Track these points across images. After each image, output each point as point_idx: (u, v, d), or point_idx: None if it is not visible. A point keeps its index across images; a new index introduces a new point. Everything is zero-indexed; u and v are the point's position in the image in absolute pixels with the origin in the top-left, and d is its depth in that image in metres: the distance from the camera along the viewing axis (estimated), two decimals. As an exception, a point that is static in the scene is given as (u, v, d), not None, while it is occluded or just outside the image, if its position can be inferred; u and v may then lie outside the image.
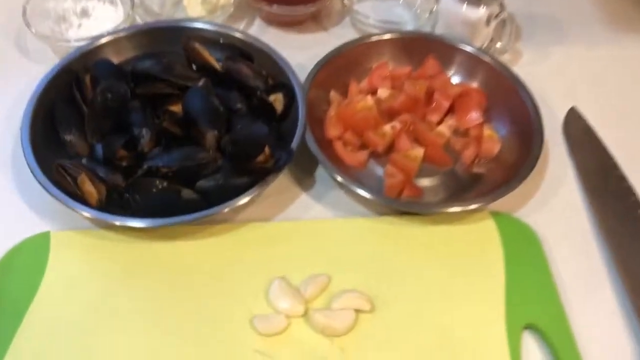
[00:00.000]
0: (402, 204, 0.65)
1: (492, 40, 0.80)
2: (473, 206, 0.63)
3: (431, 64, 0.77)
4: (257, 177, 0.63)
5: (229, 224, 0.64)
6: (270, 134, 0.66)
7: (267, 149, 0.64)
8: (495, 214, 0.66)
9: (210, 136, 0.65)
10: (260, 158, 0.63)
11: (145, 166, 0.63)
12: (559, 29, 0.89)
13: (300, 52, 0.78)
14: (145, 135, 0.65)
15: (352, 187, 0.64)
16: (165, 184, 0.62)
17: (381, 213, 0.66)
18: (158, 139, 0.66)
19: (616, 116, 0.78)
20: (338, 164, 0.69)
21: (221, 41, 0.76)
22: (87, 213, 0.61)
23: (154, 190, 0.62)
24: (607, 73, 0.84)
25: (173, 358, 0.54)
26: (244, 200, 0.61)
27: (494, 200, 0.64)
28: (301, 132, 0.66)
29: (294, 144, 0.65)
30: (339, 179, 0.64)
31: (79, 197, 0.62)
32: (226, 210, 0.61)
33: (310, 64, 0.74)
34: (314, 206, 0.67)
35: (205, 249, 0.62)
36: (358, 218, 0.66)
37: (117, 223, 0.61)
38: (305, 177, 0.70)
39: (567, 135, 0.76)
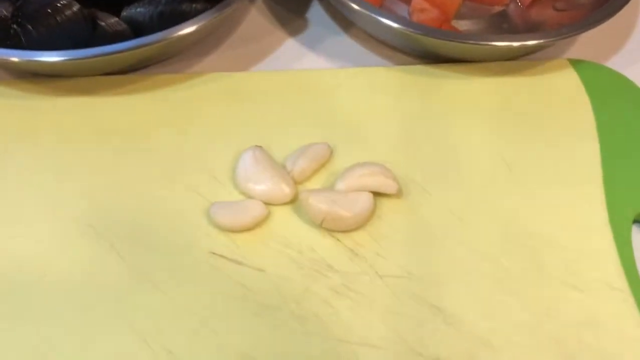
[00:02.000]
0: (451, 34, 0.43)
1: None
2: (548, 39, 0.41)
3: None
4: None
5: (179, 74, 0.42)
6: None
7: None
8: (577, 63, 0.44)
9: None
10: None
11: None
12: None
13: None
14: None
15: (371, 14, 0.41)
16: (75, 8, 0.40)
17: (404, 63, 0.45)
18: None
19: None
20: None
21: None
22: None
23: (57, 18, 0.40)
24: None
25: (78, 270, 0.34)
26: (197, 25, 0.39)
27: (576, 32, 0.42)
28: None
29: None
30: (352, 3, 0.42)
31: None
32: (175, 35, 0.38)
33: None
34: (306, 55, 0.45)
35: (142, 107, 0.40)
36: (373, 67, 0.44)
37: (14, 59, 0.38)
38: (292, 16, 0.48)
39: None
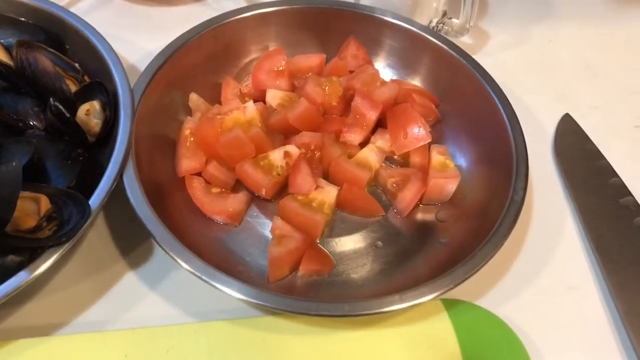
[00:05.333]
0: (293, 302, 0.36)
1: (445, 15, 0.54)
2: (414, 302, 0.36)
3: (352, 51, 0.50)
4: (30, 255, 0.35)
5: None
6: (43, 177, 0.38)
7: (44, 205, 0.36)
8: (450, 304, 0.39)
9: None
10: (27, 222, 0.35)
11: None
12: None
13: (165, 34, 0.47)
14: None
15: (202, 276, 0.35)
16: None
17: (264, 309, 0.39)
18: None
19: (629, 122, 0.53)
20: (193, 220, 0.41)
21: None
22: None
23: None
24: (612, 58, 0.58)
25: None
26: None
27: (451, 286, 0.37)
28: (116, 170, 0.38)
29: (99, 195, 0.37)
30: (182, 262, 0.36)
31: None
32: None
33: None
34: (146, 297, 0.39)
35: None
36: (220, 321, 0.37)
37: None
38: (132, 245, 0.41)
39: (561, 158, 0.49)
